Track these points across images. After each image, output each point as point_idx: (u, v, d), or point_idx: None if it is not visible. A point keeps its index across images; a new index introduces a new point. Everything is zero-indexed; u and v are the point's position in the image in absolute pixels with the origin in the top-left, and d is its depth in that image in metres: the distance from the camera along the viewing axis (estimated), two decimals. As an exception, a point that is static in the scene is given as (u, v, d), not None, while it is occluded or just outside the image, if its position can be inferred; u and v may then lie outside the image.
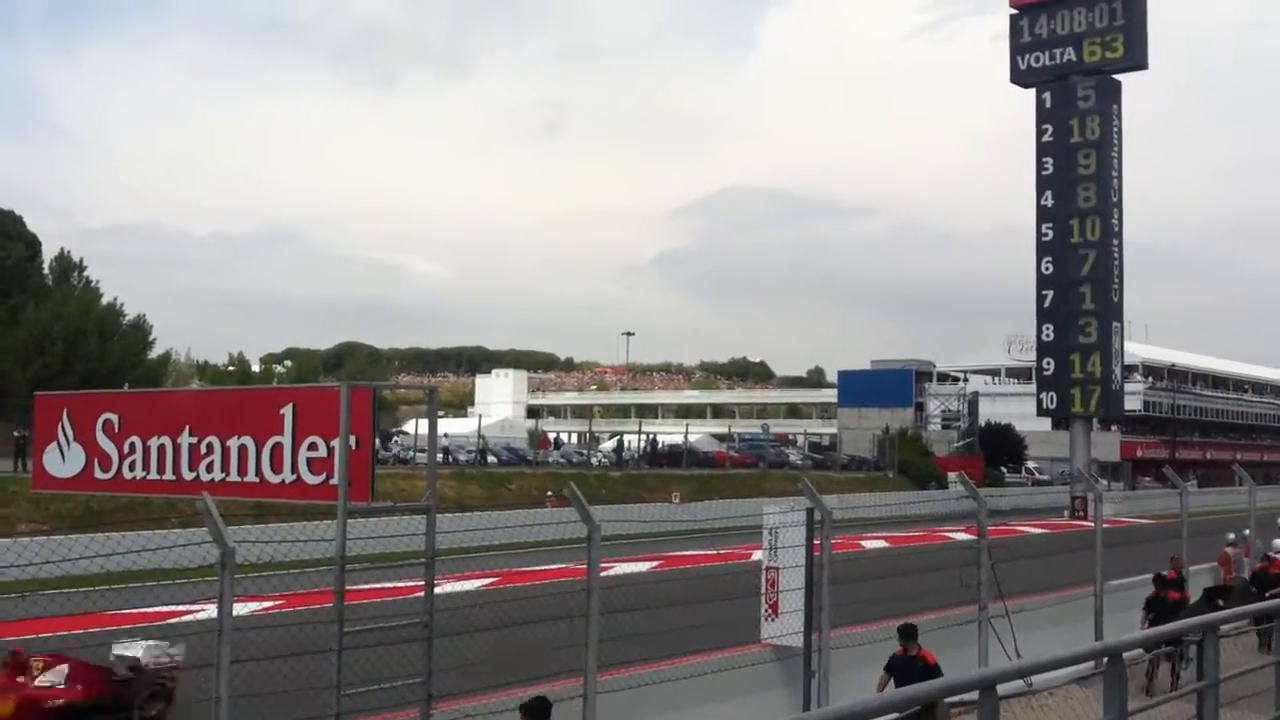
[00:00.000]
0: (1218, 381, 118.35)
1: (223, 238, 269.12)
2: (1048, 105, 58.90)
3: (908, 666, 12.13)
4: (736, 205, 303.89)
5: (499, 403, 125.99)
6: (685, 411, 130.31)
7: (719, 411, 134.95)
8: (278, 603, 15.74)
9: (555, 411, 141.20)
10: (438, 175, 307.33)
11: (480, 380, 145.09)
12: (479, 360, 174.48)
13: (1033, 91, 59.67)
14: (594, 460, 61.11)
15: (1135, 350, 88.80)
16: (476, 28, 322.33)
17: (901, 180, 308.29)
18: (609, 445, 71.89)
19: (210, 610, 9.07)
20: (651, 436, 70.14)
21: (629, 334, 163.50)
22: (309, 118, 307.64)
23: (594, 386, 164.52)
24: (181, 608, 14.75)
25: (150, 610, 15.28)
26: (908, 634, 12.80)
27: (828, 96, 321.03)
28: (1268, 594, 17.80)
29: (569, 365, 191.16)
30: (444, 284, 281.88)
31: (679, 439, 67.47)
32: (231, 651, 8.74)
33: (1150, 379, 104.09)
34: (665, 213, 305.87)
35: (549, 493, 41.87)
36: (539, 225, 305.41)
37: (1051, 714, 7.90)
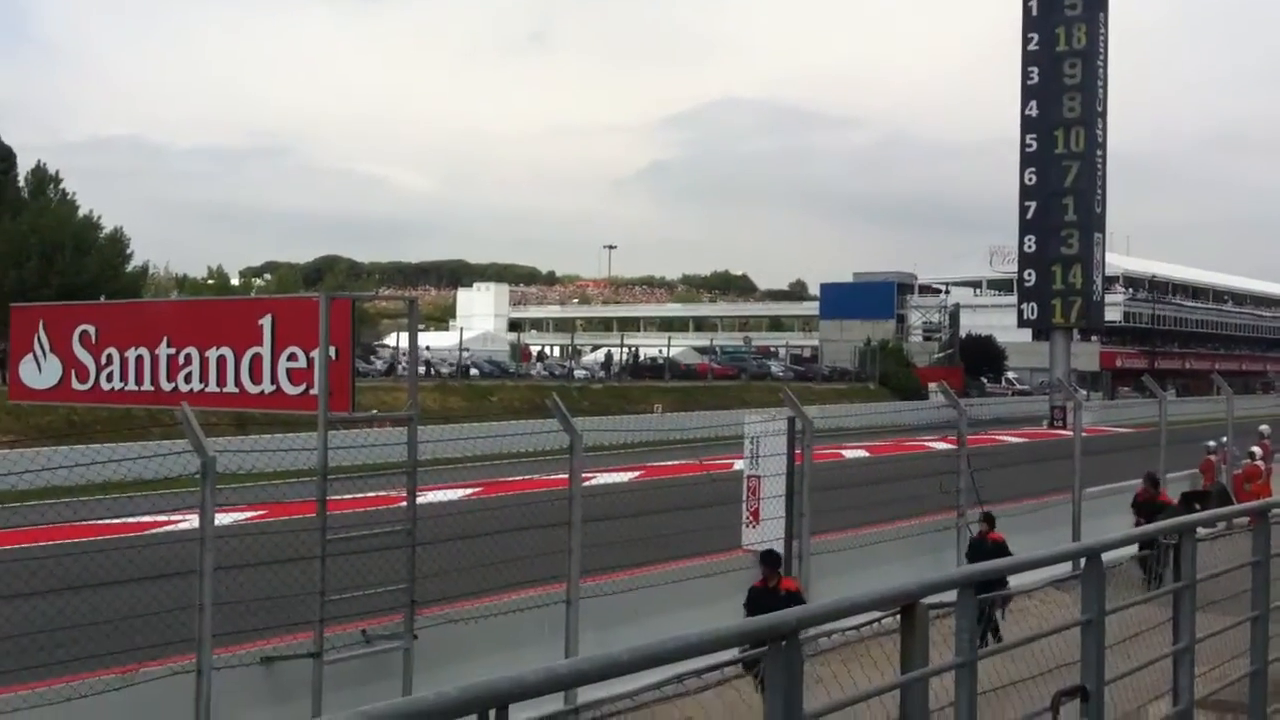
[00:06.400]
0: (1197, 292, 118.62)
1: (207, 151, 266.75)
2: (1034, 13, 58.11)
3: (769, 598, 10.89)
4: (723, 118, 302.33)
5: (480, 316, 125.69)
6: (667, 325, 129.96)
7: (701, 325, 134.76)
8: (260, 513, 15.79)
9: (537, 325, 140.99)
10: (423, 87, 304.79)
11: (462, 294, 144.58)
12: (460, 274, 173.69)
13: (1020, -1, 58.98)
14: (576, 373, 61.18)
15: (1116, 261, 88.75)
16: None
17: (891, 91, 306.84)
18: (591, 358, 71.90)
19: (192, 520, 9.07)
20: (633, 349, 70.21)
21: (611, 247, 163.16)
22: (295, 29, 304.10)
23: (576, 300, 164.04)
24: (163, 518, 14.80)
25: (132, 520, 15.34)
26: (773, 561, 11.85)
27: (820, 5, 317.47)
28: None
29: (551, 279, 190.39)
30: (426, 197, 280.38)
31: (661, 352, 67.50)
32: (214, 559, 8.75)
33: (1131, 290, 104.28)
34: (650, 125, 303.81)
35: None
36: (524, 137, 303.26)
37: (1030, 616, 7.98)
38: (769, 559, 11.79)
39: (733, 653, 4.49)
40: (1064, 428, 47.07)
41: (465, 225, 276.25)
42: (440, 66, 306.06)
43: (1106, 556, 6.28)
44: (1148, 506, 17.86)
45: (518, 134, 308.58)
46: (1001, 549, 13.90)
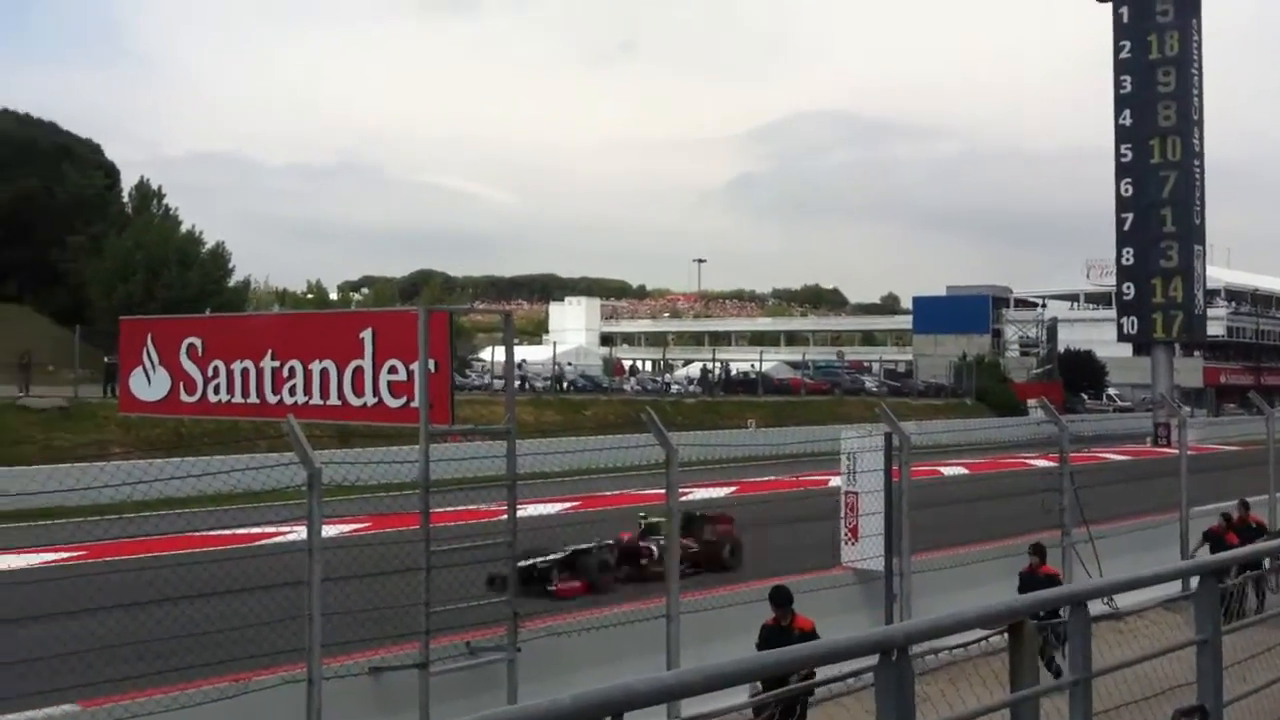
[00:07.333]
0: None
1: (299, 167, 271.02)
2: (1125, 20, 57.11)
3: (782, 637, 9.71)
4: (809, 129, 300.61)
5: (572, 330, 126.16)
6: (758, 339, 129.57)
7: (792, 339, 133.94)
8: (364, 525, 15.98)
9: (629, 339, 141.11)
10: (511, 100, 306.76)
11: (553, 307, 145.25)
12: (551, 288, 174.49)
13: (1110, 6, 58.03)
14: (672, 387, 61.20)
15: (1217, 274, 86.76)
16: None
17: (978, 101, 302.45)
18: (683, 373, 71.87)
19: (299, 531, 9.22)
20: (725, 364, 70.05)
21: (701, 261, 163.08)
22: (386, 43, 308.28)
23: (666, 314, 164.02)
24: (271, 529, 15.07)
25: (241, 531, 15.63)
26: (783, 600, 10.73)
27: (904, 15, 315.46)
28: None
29: (641, 293, 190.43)
30: (516, 210, 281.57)
31: (752, 366, 67.25)
32: (322, 570, 8.88)
33: (1233, 303, 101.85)
34: (737, 137, 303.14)
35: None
36: (611, 150, 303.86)
37: (1141, 637, 7.79)
38: (779, 597, 10.71)
39: (854, 663, 4.47)
40: (1169, 445, 46.06)
41: (554, 239, 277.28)
42: (529, 79, 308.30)
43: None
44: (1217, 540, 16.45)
45: (604, 146, 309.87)
46: (1054, 584, 12.78)
